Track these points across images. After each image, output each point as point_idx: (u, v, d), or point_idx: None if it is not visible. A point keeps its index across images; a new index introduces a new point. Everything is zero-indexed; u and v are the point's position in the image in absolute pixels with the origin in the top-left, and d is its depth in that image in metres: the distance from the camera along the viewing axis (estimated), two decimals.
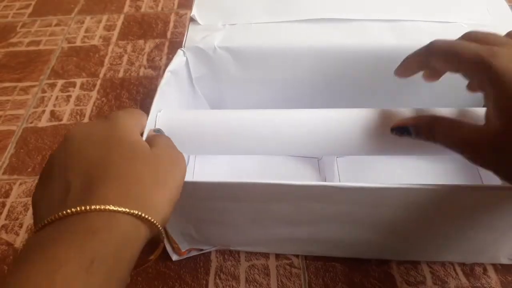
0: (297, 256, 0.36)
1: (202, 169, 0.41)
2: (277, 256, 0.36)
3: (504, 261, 0.35)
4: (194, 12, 0.40)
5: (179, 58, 0.36)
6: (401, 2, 0.40)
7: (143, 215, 0.20)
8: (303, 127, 0.30)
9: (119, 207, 0.20)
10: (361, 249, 0.35)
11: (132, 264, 0.20)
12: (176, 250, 0.35)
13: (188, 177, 0.25)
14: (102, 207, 0.19)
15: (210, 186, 0.28)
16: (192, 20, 0.40)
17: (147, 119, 0.28)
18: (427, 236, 0.33)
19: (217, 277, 0.35)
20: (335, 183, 0.26)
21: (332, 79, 0.39)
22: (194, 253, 0.36)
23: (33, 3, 0.70)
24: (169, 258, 0.36)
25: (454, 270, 0.35)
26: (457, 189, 0.26)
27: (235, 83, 0.40)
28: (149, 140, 0.25)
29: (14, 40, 0.63)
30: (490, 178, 0.39)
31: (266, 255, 0.36)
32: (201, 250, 0.36)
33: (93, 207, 0.19)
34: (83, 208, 0.19)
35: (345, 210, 0.29)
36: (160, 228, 0.21)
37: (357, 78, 0.39)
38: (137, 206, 0.20)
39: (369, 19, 0.38)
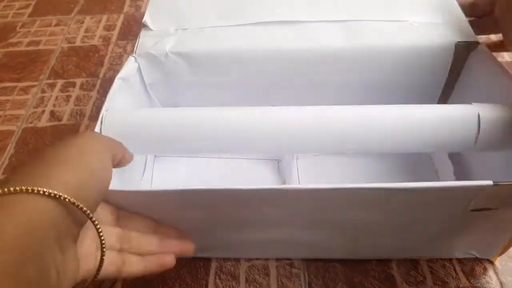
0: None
1: (160, 176, 0.41)
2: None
3: (459, 255, 0.35)
4: (146, 17, 0.40)
5: (130, 65, 0.36)
6: (351, 2, 0.40)
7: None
8: (262, 125, 0.30)
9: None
10: (323, 249, 0.35)
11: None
12: None
13: (143, 186, 0.23)
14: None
15: (159, 194, 0.27)
16: (144, 26, 0.39)
17: (122, 151, 0.28)
18: (378, 235, 0.33)
19: (217, 277, 0.35)
20: (279, 186, 0.26)
21: (286, 81, 0.39)
22: None
23: (33, 3, 0.70)
24: None
25: (454, 270, 0.35)
26: (411, 189, 0.26)
27: (190, 88, 0.40)
28: None
29: (14, 40, 0.63)
30: (445, 176, 0.39)
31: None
32: None
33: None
34: None
35: (299, 211, 0.29)
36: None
37: (310, 79, 0.39)
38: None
39: (320, 20, 0.38)
